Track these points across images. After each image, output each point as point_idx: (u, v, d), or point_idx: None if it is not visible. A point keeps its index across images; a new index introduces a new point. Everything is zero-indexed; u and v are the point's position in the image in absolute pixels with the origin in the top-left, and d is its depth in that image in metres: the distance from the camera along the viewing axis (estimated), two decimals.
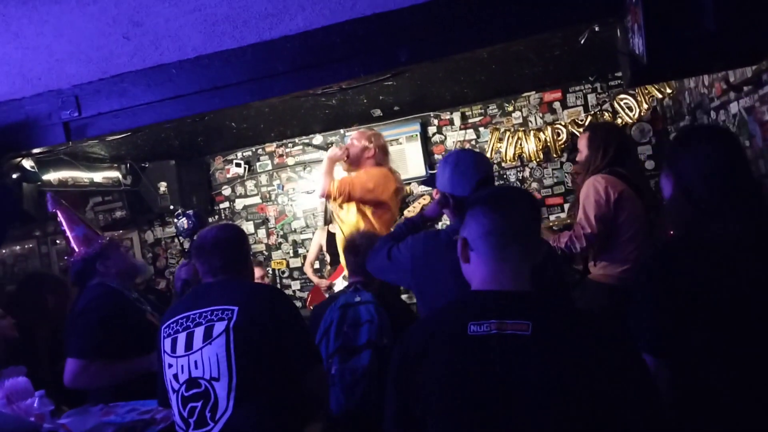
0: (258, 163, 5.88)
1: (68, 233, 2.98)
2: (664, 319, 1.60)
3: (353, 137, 4.13)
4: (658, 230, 3.54)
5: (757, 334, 1.57)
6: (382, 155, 4.09)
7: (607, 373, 1.30)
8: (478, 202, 1.54)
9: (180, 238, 5.93)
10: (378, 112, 5.17)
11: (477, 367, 1.35)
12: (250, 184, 5.91)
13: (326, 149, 4.49)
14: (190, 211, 3.75)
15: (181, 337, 2.13)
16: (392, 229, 2.68)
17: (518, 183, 5.32)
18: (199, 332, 2.10)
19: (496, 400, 1.32)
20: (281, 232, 5.83)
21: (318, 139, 5.70)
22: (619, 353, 1.35)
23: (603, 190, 3.31)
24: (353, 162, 4.05)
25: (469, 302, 1.48)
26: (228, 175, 5.93)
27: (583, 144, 3.58)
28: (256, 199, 5.89)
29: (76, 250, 2.95)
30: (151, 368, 2.78)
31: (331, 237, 4.95)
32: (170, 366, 2.14)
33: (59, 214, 3.01)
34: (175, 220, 4.39)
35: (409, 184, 5.53)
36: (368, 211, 3.96)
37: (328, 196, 3.93)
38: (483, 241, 1.48)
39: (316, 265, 5.43)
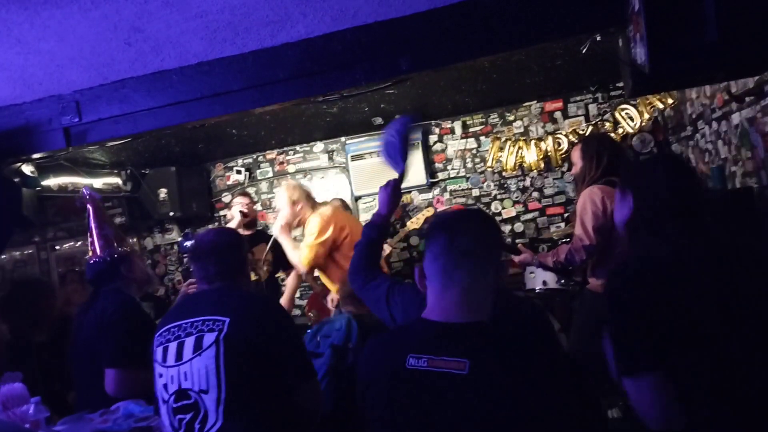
0: (258, 170, 5.88)
1: (96, 231, 2.92)
2: (651, 331, 1.55)
3: (277, 205, 4.19)
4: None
5: (726, 340, 1.55)
6: (309, 201, 4.16)
7: (549, 409, 1.27)
8: (431, 227, 1.51)
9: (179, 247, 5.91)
10: (379, 120, 5.17)
11: (412, 402, 1.33)
12: (250, 191, 5.90)
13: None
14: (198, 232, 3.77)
15: (172, 347, 2.08)
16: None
17: (519, 192, 5.32)
18: (189, 342, 2.05)
19: None
20: None
21: (319, 146, 5.70)
22: (565, 387, 1.32)
23: (600, 201, 3.30)
24: (295, 222, 4.14)
25: (413, 331, 1.45)
26: (228, 182, 5.93)
27: (576, 156, 3.57)
28: (257, 207, 5.87)
29: (98, 249, 2.91)
30: None
31: None
32: (161, 376, 2.09)
33: (90, 211, 2.96)
34: (180, 239, 4.38)
35: (410, 192, 5.52)
36: (337, 253, 4.07)
37: (311, 269, 4.08)
38: (434, 265, 1.44)
39: (315, 273, 5.40)
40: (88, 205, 2.96)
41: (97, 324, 2.76)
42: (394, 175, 2.46)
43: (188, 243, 3.73)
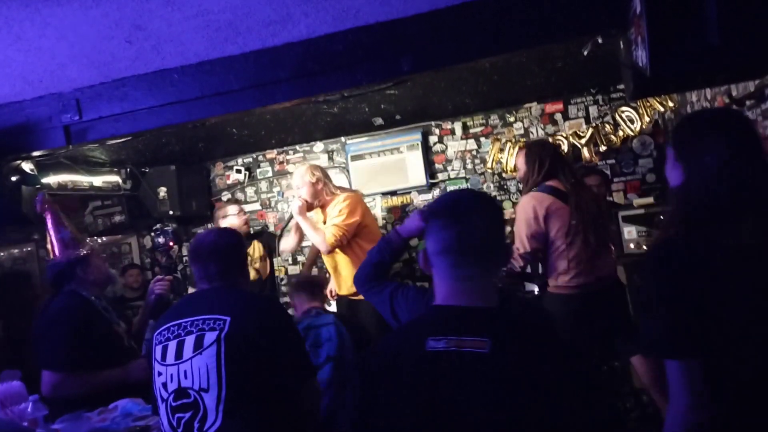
0: (258, 170, 5.88)
1: (53, 235, 3.00)
2: (681, 317, 1.49)
3: (297, 185, 4.16)
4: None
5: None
6: (329, 181, 4.18)
7: (566, 393, 1.27)
8: (435, 213, 1.46)
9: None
10: (379, 121, 5.16)
11: (433, 383, 1.31)
12: (250, 191, 5.89)
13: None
14: (168, 228, 3.77)
15: (172, 345, 2.08)
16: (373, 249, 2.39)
17: (519, 194, 5.31)
18: (189, 341, 2.05)
19: (450, 418, 1.29)
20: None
21: (319, 146, 5.70)
22: (579, 373, 1.32)
23: (531, 209, 3.42)
24: (316, 202, 4.12)
25: (429, 318, 1.44)
26: (228, 182, 5.92)
27: (520, 161, 3.68)
28: (256, 206, 5.87)
29: (57, 252, 2.98)
30: (128, 380, 2.79)
31: None
32: (160, 374, 2.09)
33: (47, 216, 3.03)
34: (152, 235, 4.38)
35: (409, 193, 5.53)
36: (358, 239, 4.03)
37: (335, 248, 3.98)
38: (440, 258, 1.42)
39: (314, 272, 5.40)
40: (46, 211, 3.02)
41: (42, 325, 2.79)
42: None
43: (160, 239, 3.72)
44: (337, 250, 4.03)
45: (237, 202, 5.01)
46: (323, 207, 4.14)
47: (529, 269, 3.49)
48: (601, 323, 3.46)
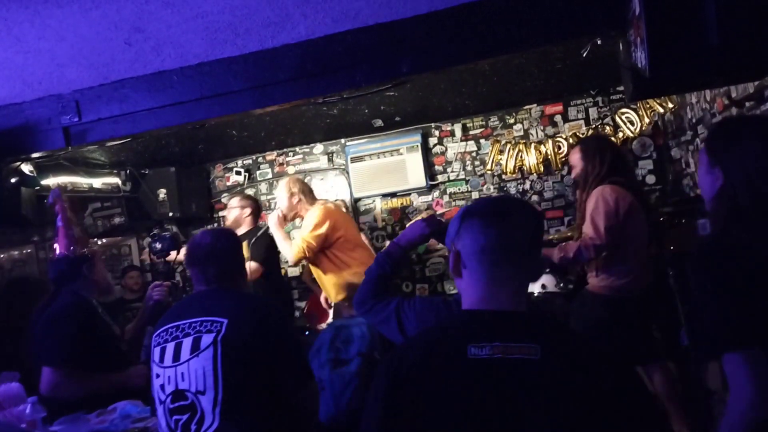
0: (258, 172, 5.88)
1: (62, 230, 2.97)
2: (738, 307, 1.48)
3: (277, 196, 4.21)
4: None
5: None
6: (308, 195, 4.17)
7: (615, 400, 1.22)
8: (474, 213, 1.39)
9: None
10: (379, 122, 5.17)
11: (479, 392, 1.24)
12: (249, 192, 5.89)
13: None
14: (166, 234, 3.74)
15: (170, 347, 2.07)
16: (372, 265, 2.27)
17: (518, 195, 5.32)
18: (187, 343, 2.05)
19: (500, 427, 1.22)
20: None
21: (318, 148, 5.70)
22: (627, 380, 1.27)
23: (613, 201, 3.27)
24: (291, 215, 4.16)
25: (466, 322, 1.36)
26: (228, 183, 5.92)
27: (576, 158, 3.55)
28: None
29: (64, 248, 2.95)
30: (127, 385, 2.78)
31: None
32: (158, 376, 2.09)
33: (59, 211, 3.01)
34: (149, 240, 4.38)
35: (409, 195, 5.52)
36: (334, 250, 4.01)
37: (300, 261, 4.04)
38: (476, 259, 1.35)
39: (313, 275, 5.39)
40: (57, 205, 3.01)
41: (45, 322, 2.77)
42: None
43: (157, 245, 3.69)
44: (314, 262, 4.06)
45: (242, 194, 4.95)
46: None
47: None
48: (630, 330, 3.36)
